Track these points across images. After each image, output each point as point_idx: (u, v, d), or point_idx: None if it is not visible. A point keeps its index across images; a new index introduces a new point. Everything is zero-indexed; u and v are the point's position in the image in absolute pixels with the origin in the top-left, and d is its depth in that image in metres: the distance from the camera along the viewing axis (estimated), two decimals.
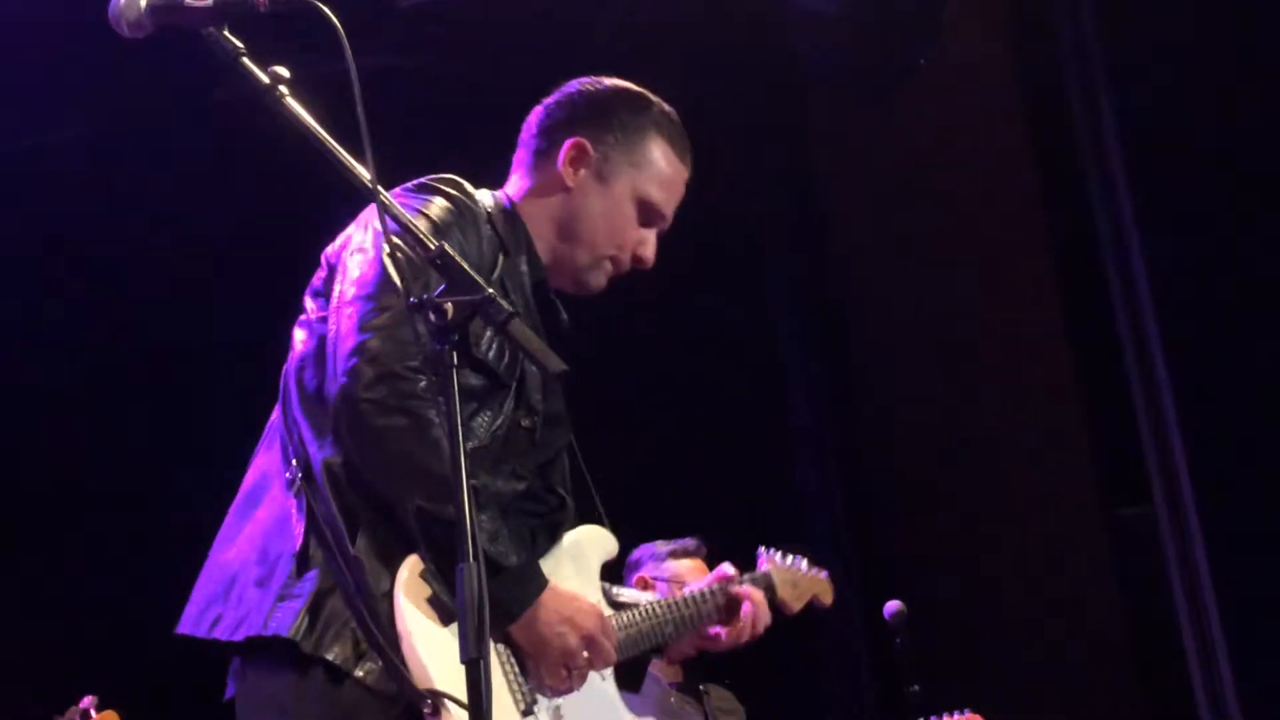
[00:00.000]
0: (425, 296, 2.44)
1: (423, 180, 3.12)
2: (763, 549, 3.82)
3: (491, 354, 2.98)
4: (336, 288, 2.97)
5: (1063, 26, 6.53)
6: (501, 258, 3.07)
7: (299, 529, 2.84)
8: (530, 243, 3.18)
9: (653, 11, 6.46)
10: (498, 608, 2.74)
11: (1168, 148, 6.18)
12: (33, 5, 5.71)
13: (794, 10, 6.88)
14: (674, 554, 5.26)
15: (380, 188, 2.56)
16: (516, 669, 2.92)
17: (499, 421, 2.98)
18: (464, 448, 2.39)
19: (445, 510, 2.72)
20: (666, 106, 3.33)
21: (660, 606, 3.35)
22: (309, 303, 3.08)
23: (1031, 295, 6.85)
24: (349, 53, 2.69)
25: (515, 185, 3.27)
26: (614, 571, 3.37)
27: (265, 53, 2.65)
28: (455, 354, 2.42)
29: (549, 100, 3.31)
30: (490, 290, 2.44)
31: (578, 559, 3.18)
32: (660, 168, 3.26)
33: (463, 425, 2.80)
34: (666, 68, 6.71)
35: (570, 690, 2.98)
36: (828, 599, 3.90)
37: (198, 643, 2.96)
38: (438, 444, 2.76)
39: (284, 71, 2.66)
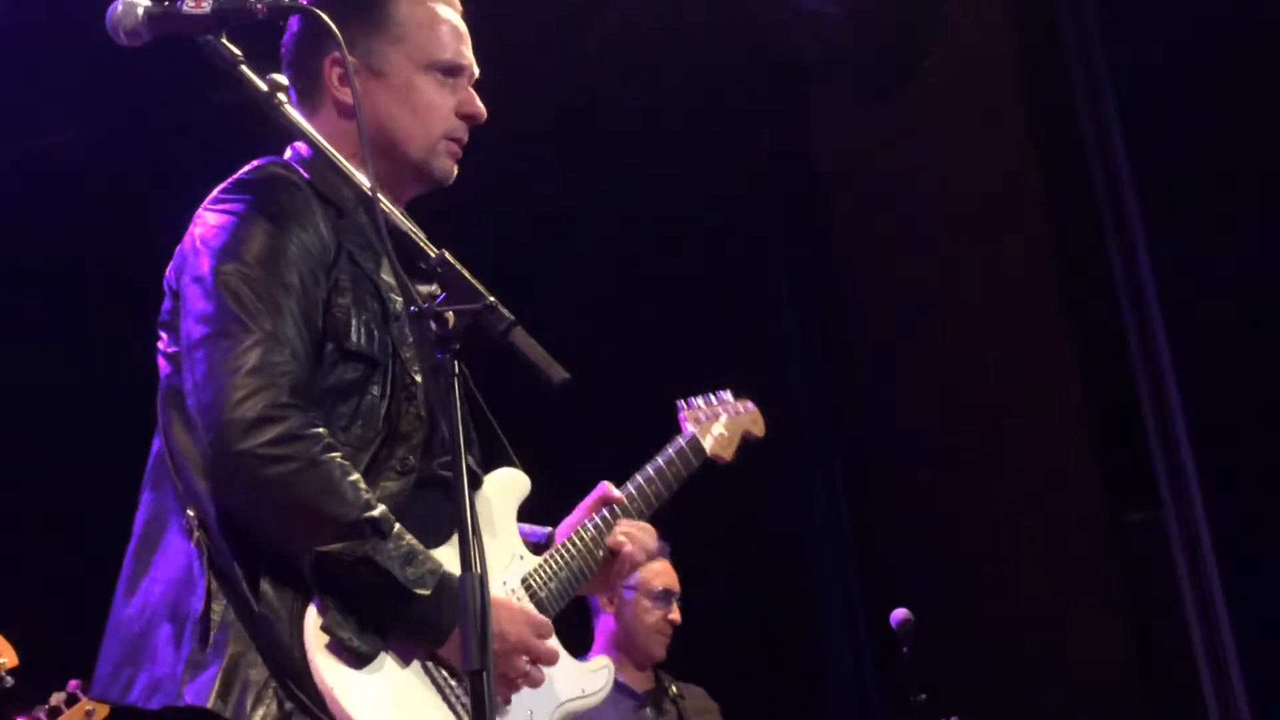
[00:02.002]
0: (426, 305, 2.41)
1: (240, 177, 2.84)
2: (681, 403, 3.55)
3: (363, 340, 2.78)
4: (182, 325, 2.74)
5: (1065, 26, 6.50)
6: (339, 224, 2.79)
7: (203, 586, 2.67)
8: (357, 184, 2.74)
9: (655, 13, 6.43)
10: (427, 630, 2.67)
11: (1173, 146, 6.15)
12: (29, 9, 5.70)
13: (796, 11, 6.86)
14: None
15: (370, 193, 2.54)
16: (451, 681, 2.78)
17: (386, 400, 2.78)
18: (463, 459, 2.36)
19: (347, 550, 2.62)
20: None
21: (585, 538, 3.15)
22: (161, 333, 2.85)
23: (1035, 296, 6.81)
24: (348, 58, 2.67)
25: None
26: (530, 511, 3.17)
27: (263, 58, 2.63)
28: (458, 362, 2.38)
29: (286, 36, 2.96)
30: (491, 298, 2.41)
31: (494, 515, 3.03)
32: (426, 24, 2.96)
33: (349, 423, 2.73)
34: (669, 69, 6.73)
35: (518, 691, 2.85)
36: (759, 430, 3.62)
37: None
38: (330, 479, 2.61)
39: (282, 79, 2.65)
